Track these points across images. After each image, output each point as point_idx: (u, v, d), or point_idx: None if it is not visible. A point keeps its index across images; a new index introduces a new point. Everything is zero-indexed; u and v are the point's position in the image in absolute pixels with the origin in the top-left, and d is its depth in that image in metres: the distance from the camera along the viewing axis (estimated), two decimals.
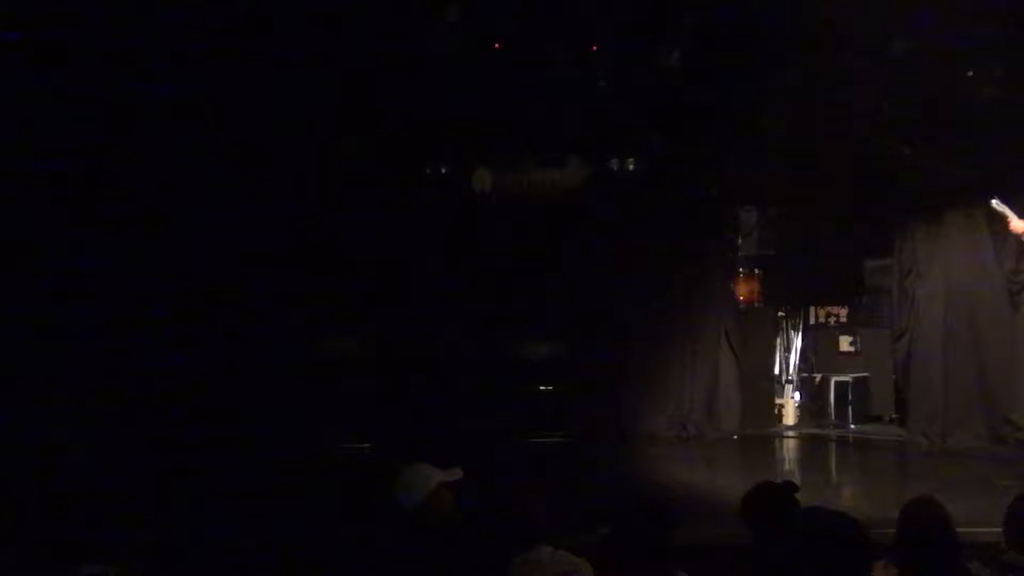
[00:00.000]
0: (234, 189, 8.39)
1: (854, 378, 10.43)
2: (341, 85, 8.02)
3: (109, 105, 7.54)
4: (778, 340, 10.88)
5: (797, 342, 10.89)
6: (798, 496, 3.78)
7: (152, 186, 8.22)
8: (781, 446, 9.92)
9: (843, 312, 10.82)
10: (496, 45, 8.19)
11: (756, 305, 10.63)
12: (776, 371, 10.80)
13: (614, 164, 9.76)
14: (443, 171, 9.64)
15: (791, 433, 10.25)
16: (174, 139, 7.96)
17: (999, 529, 3.66)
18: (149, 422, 7.87)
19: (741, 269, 10.64)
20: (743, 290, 10.57)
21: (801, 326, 10.93)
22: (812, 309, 10.87)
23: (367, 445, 8.92)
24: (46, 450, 7.04)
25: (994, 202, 7.70)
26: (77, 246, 7.91)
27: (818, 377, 10.71)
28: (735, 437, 9.84)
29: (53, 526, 5.34)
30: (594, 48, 8.34)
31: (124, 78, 7.30)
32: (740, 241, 10.83)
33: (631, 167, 9.75)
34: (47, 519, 5.51)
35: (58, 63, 7.09)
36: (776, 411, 10.58)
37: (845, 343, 10.67)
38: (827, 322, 10.89)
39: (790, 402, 10.60)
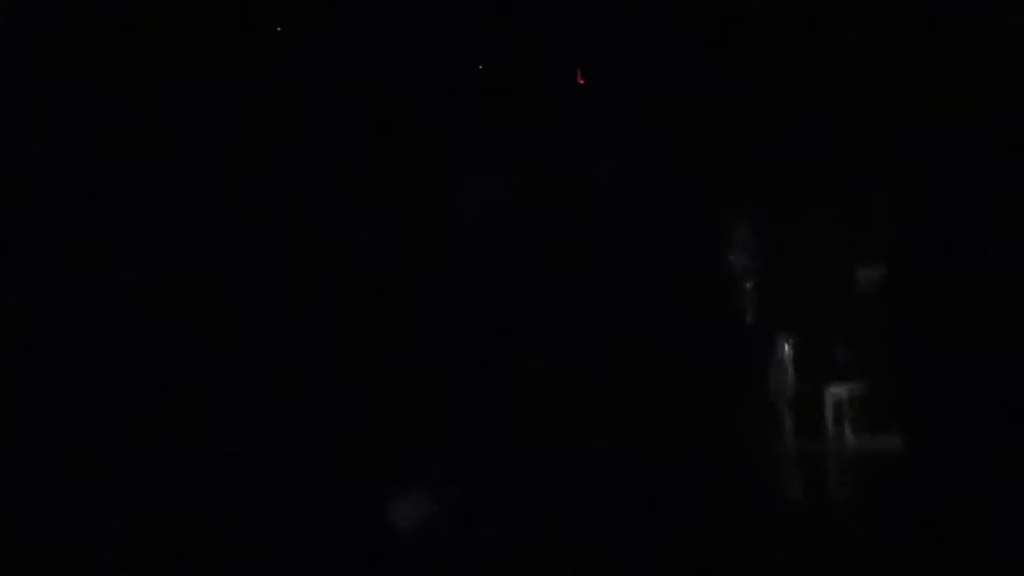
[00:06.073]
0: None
1: (850, 389, 10.48)
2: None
3: None
4: (771, 353, 10.94)
5: (790, 353, 10.95)
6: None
7: None
8: (777, 460, 9.96)
9: (838, 323, 10.91)
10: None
11: (748, 319, 10.70)
12: (770, 385, 10.85)
13: (604, 168, 9.84)
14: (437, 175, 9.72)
15: (786, 447, 10.29)
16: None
17: None
18: None
19: (734, 282, 10.71)
20: (736, 303, 10.64)
21: (795, 338, 10.99)
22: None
23: None
24: None
25: None
26: None
27: (813, 389, 10.75)
28: None
29: None
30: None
31: None
32: (733, 255, 10.89)
33: (620, 172, 9.84)
34: None
35: None
36: (771, 425, 10.62)
37: (840, 353, 10.73)
38: (822, 333, 10.96)
39: (784, 416, 10.65)
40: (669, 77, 7.81)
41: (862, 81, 6.68)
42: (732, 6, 6.70)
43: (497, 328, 8.28)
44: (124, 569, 4.99)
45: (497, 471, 6.26)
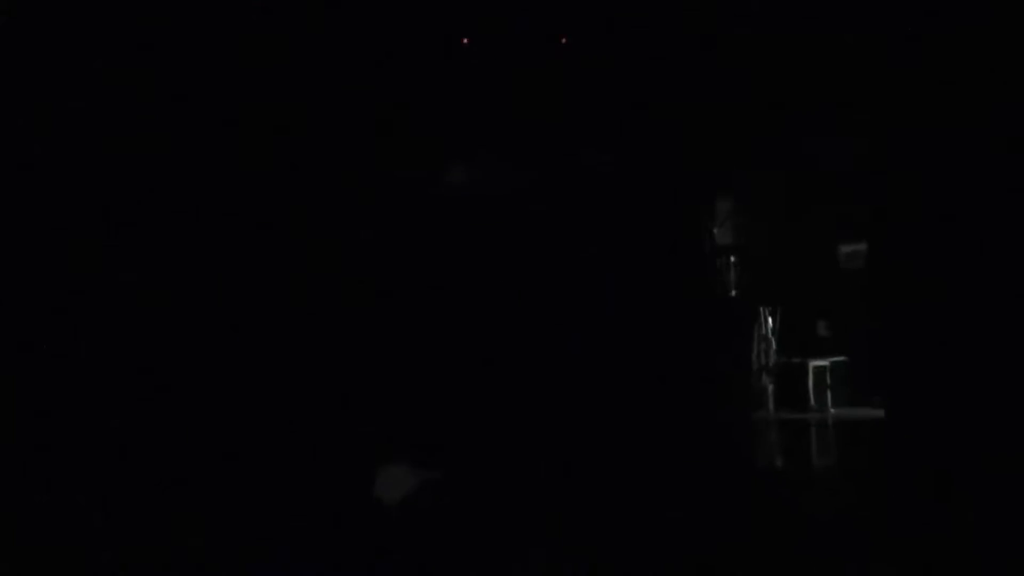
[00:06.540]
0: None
1: (832, 362, 10.54)
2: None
3: None
4: (755, 327, 10.97)
5: (773, 328, 10.99)
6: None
7: None
8: (763, 431, 10.03)
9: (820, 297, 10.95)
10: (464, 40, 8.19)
11: (733, 294, 10.72)
12: (754, 358, 10.88)
13: (586, 157, 9.78)
14: (415, 171, 9.63)
15: (770, 418, 10.36)
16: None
17: None
18: None
19: (717, 259, 10.72)
20: (720, 280, 10.66)
21: (778, 313, 11.02)
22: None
23: None
24: None
25: None
26: None
27: (796, 362, 10.80)
28: None
29: None
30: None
31: None
32: (716, 231, 10.89)
33: (604, 160, 9.78)
34: None
35: None
36: (756, 398, 10.67)
37: (822, 327, 10.79)
38: (804, 307, 11.00)
39: (768, 388, 10.70)
40: (669, 77, 7.80)
41: (862, 81, 6.69)
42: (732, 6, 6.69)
43: (495, 326, 8.29)
44: (124, 569, 4.97)
45: (495, 468, 6.29)
